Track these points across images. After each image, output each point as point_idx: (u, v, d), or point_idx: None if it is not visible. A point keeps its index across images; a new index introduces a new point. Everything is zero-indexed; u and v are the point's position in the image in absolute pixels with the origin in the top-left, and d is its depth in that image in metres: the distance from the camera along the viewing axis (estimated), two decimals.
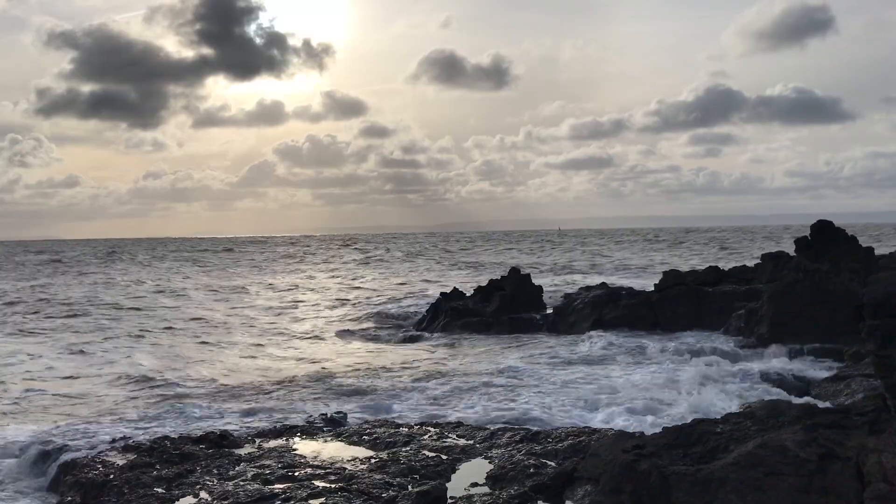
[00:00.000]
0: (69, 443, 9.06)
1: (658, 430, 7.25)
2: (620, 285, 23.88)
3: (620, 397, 10.85)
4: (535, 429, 8.45)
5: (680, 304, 18.92)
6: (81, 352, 17.41)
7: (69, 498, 7.51)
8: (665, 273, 20.67)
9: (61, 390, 13.49)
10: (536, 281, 23.63)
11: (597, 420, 9.40)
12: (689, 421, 7.24)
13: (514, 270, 23.51)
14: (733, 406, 9.70)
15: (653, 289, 20.22)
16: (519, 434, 8.15)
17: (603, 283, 23.92)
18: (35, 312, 26.07)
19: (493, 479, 7.13)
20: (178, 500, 6.88)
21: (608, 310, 19.76)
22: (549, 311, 21.84)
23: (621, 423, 9.19)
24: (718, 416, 7.25)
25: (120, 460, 8.12)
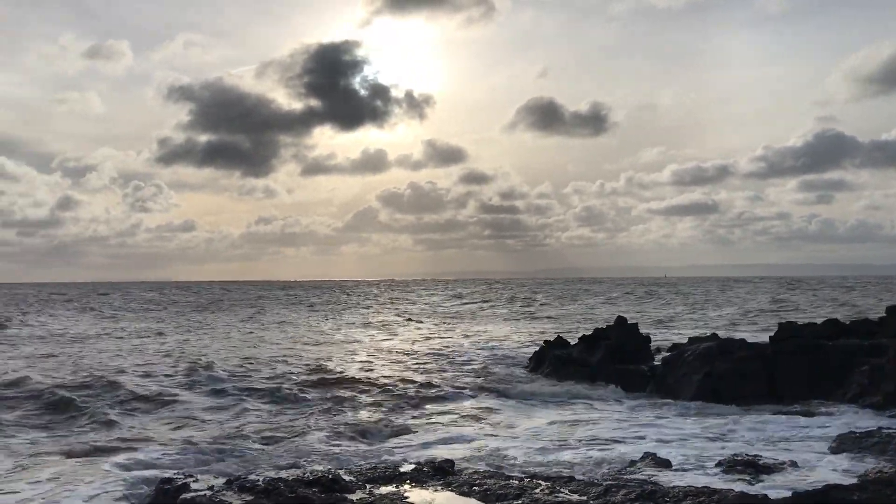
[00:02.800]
0: (189, 481, 9.36)
1: (783, 493, 6.90)
2: (731, 337, 23.05)
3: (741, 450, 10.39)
4: (652, 487, 8.17)
5: (796, 360, 18.07)
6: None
7: None
8: (780, 325, 19.82)
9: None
10: (642, 330, 23.11)
11: (717, 481, 9.01)
12: (819, 487, 6.85)
13: (621, 319, 23.05)
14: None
15: (767, 341, 19.42)
16: (634, 492, 7.90)
17: (714, 335, 23.15)
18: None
19: None
20: None
21: (719, 363, 19.05)
22: (657, 362, 21.26)
23: (741, 485, 8.79)
24: (852, 482, 6.84)
25: (236, 500, 8.30)
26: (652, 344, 22.99)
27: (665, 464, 10.28)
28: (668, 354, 21.60)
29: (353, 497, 8.40)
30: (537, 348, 24.02)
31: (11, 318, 46.40)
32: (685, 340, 23.11)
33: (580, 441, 13.14)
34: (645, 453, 10.82)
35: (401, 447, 13.26)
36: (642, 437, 13.25)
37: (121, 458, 12.03)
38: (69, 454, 12.28)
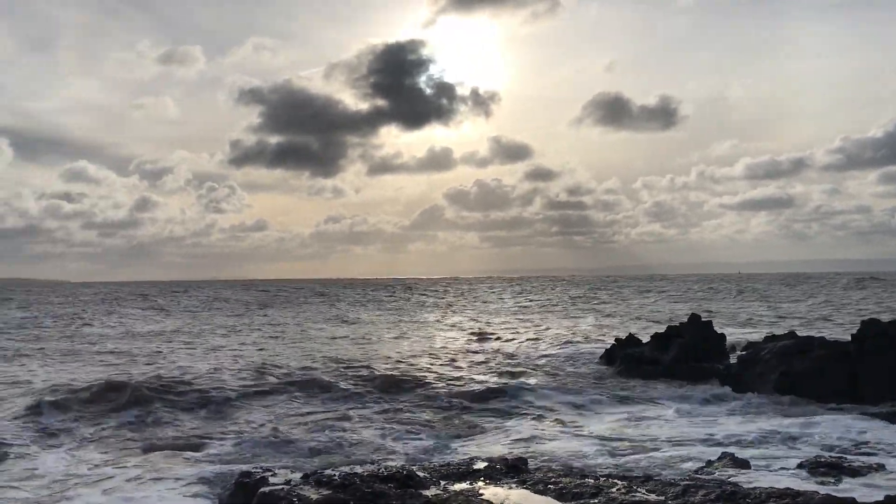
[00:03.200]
0: (267, 476, 9.59)
1: (871, 496, 6.67)
2: (809, 334, 22.35)
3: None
4: (731, 488, 8.00)
5: (880, 359, 17.41)
6: None
7: None
8: (863, 323, 19.12)
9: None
10: (716, 327, 22.63)
11: (799, 482, 8.77)
12: None
13: (694, 317, 22.62)
14: None
15: (847, 339, 18.77)
16: (714, 493, 7.76)
17: (791, 332, 22.49)
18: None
19: None
20: None
21: (798, 362, 18.51)
22: (732, 360, 20.78)
23: (825, 486, 8.52)
24: None
25: (314, 495, 8.45)
26: (727, 342, 22.46)
27: (743, 464, 10.05)
28: (743, 353, 21.09)
29: (428, 493, 8.47)
30: (608, 346, 23.77)
31: (94, 317, 48.26)
32: (761, 338, 22.52)
33: (654, 440, 12.96)
34: (722, 453, 10.61)
35: (472, 444, 13.32)
36: (718, 437, 12.99)
37: (201, 453, 12.41)
38: (151, 448, 12.72)
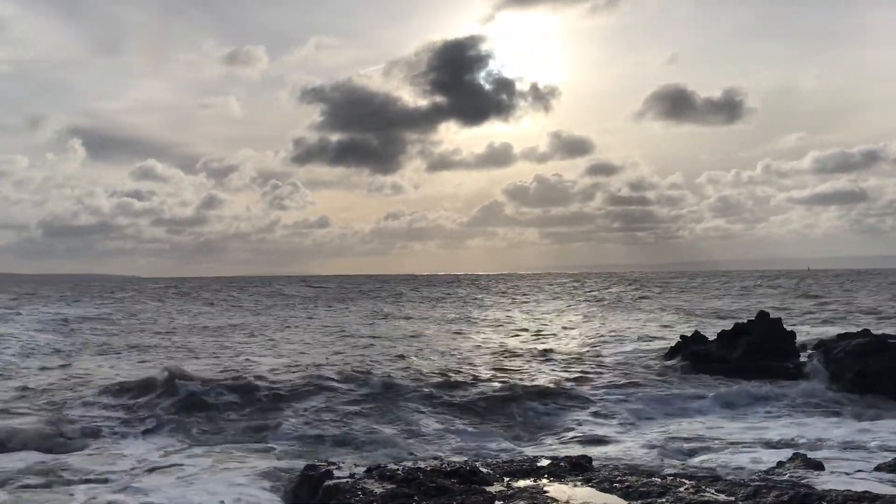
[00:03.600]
0: (332, 469, 9.69)
1: None
2: (884, 332, 21.57)
3: None
4: (805, 490, 7.74)
5: None
6: None
7: None
8: None
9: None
10: (785, 325, 22.01)
11: (878, 485, 8.44)
12: None
13: (763, 314, 22.04)
14: None
15: None
16: (787, 494, 7.52)
17: (865, 330, 21.73)
18: None
19: None
20: None
21: (874, 360, 17.88)
22: (803, 359, 20.19)
23: None
24: None
25: (378, 489, 8.49)
26: (797, 340, 21.82)
27: (817, 465, 9.73)
28: (814, 351, 20.48)
29: (492, 489, 8.42)
30: (673, 343, 23.35)
31: (164, 312, 49.62)
32: (833, 336, 21.83)
33: (721, 440, 12.70)
34: (794, 454, 10.28)
35: (535, 443, 13.24)
36: (789, 437, 12.66)
37: (264, 445, 12.66)
38: (217, 440, 13.02)
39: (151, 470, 10.97)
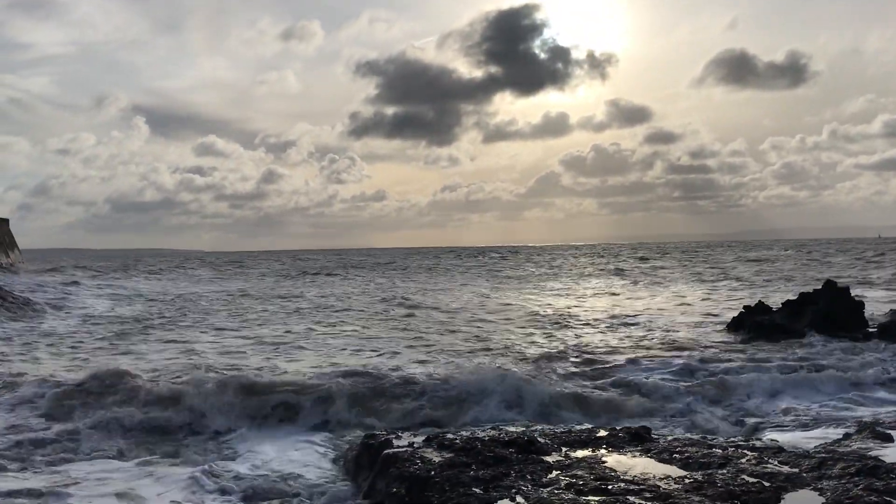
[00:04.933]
0: (391, 438, 9.82)
1: None
2: None
3: None
4: (873, 462, 7.55)
5: None
6: None
7: (394, 489, 8.08)
8: None
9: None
10: (854, 294, 21.36)
11: None
12: None
13: (830, 283, 21.45)
14: None
15: None
16: (854, 466, 7.34)
17: None
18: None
19: None
20: (496, 503, 7.12)
21: None
22: (872, 330, 19.61)
23: None
24: None
25: (436, 457, 8.58)
26: (865, 310, 21.18)
27: (886, 437, 9.47)
28: (885, 321, 19.89)
29: (550, 459, 8.43)
30: (736, 314, 22.91)
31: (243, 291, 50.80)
32: None
33: (785, 411, 12.44)
34: (861, 425, 10.03)
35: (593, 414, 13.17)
36: (856, 409, 12.33)
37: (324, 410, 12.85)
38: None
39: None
